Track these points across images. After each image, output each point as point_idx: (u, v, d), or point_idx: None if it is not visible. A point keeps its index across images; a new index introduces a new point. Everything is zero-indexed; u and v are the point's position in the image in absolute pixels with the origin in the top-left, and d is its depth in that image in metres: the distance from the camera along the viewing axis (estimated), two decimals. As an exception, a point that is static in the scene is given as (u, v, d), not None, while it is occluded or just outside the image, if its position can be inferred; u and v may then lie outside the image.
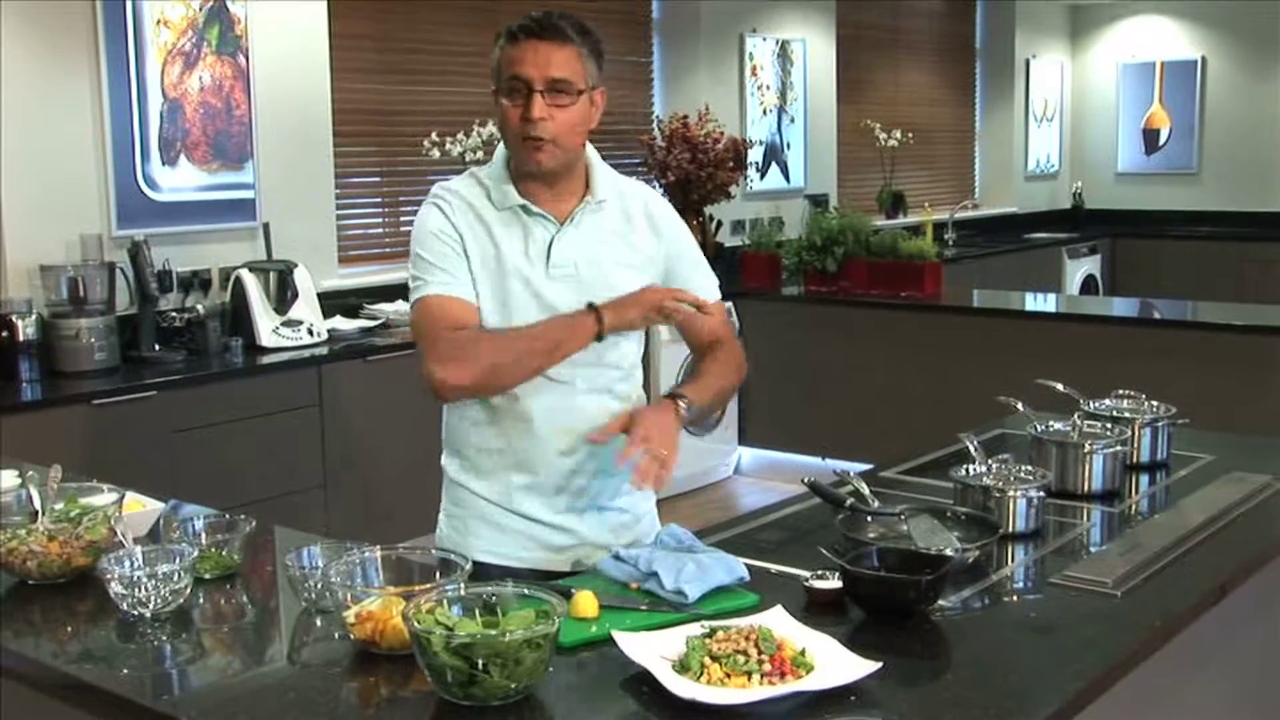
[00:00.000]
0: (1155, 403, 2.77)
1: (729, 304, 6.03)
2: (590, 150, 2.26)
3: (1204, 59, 9.53)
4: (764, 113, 7.27)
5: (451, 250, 2.15)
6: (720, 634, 1.63)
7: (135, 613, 1.84)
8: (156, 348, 4.41)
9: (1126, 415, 2.71)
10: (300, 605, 1.87)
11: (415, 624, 1.53)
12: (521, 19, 2.12)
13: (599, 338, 2.13)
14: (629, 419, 2.14)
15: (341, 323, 4.98)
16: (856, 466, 2.74)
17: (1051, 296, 7.29)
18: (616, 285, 2.20)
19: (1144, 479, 2.66)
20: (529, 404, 2.17)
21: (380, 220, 5.70)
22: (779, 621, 1.71)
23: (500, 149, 2.23)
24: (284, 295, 4.69)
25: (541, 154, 2.12)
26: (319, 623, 1.83)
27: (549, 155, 2.13)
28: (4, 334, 4.06)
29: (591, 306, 2.13)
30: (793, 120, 7.48)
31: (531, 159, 2.13)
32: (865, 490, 2.30)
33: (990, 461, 2.38)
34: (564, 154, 2.15)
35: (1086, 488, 2.48)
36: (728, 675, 1.55)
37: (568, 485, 2.22)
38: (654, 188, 6.18)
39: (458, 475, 2.27)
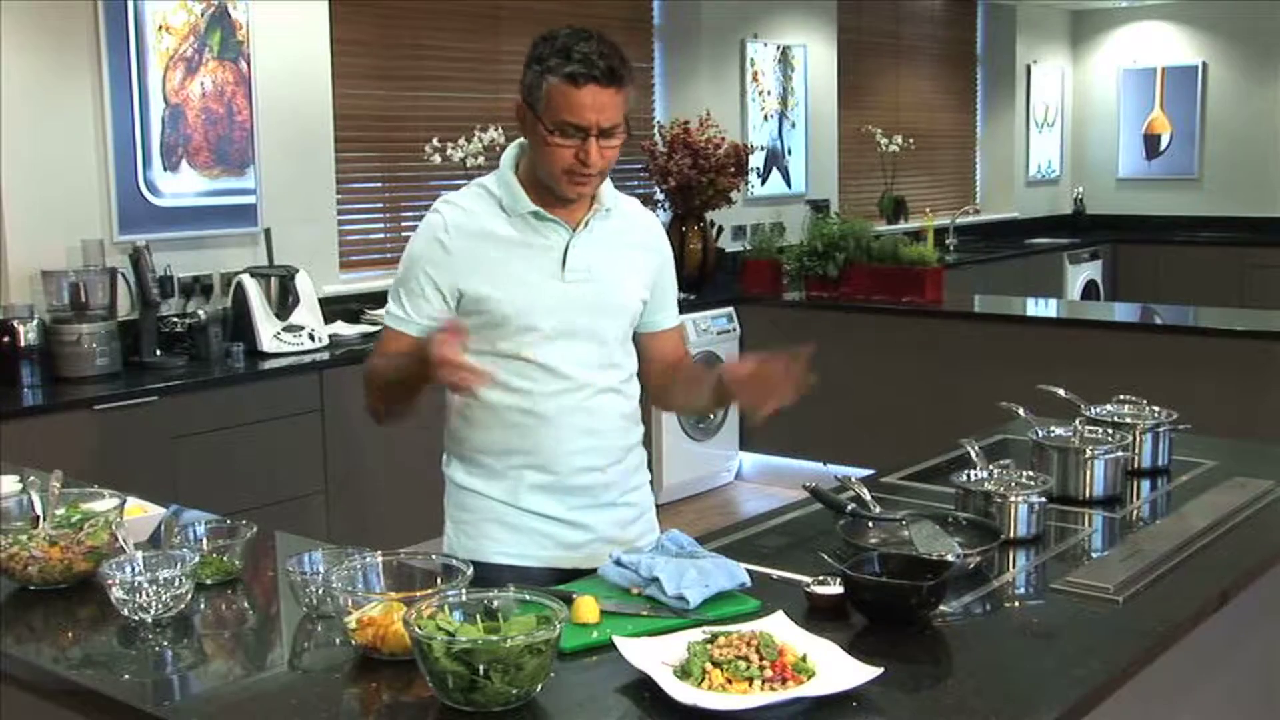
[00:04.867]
0: (1156, 408, 2.78)
1: (730, 309, 6.05)
2: None
3: (1205, 64, 9.53)
4: (765, 118, 7.27)
5: (420, 287, 2.18)
6: (721, 639, 1.63)
7: (136, 618, 1.84)
8: (158, 353, 4.41)
9: (1128, 421, 2.71)
10: (301, 611, 1.87)
11: (416, 629, 1.53)
12: (577, 55, 2.05)
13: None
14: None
15: (343, 328, 4.98)
16: (858, 472, 2.75)
17: (1053, 302, 7.29)
18: (626, 289, 2.26)
19: (1145, 485, 2.66)
20: (547, 404, 2.19)
21: (382, 225, 5.70)
22: (780, 627, 1.70)
23: (507, 155, 2.24)
24: (285, 300, 4.69)
25: (585, 188, 2.17)
26: (320, 628, 1.83)
27: (590, 187, 2.18)
28: (5, 339, 4.06)
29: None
30: (794, 125, 7.48)
31: (574, 191, 2.16)
32: (866, 496, 2.31)
33: (991, 467, 2.38)
34: (601, 181, 2.20)
35: (1088, 493, 2.48)
36: (729, 681, 1.55)
37: (583, 482, 2.24)
38: (655, 193, 6.24)
39: (464, 480, 2.28)
